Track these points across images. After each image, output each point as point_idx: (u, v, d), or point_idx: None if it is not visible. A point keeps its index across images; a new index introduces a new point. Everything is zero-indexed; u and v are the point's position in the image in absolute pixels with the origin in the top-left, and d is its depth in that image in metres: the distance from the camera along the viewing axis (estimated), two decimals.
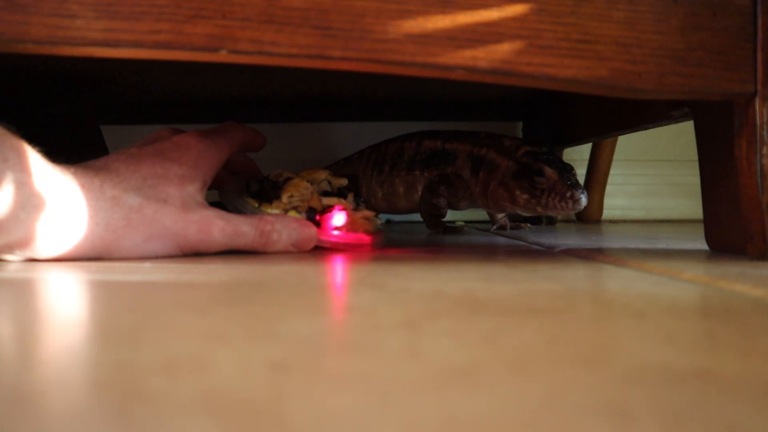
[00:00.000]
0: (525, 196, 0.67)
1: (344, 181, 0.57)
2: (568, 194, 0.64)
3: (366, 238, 0.55)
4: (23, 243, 0.40)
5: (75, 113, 0.88)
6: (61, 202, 0.40)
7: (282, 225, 0.48)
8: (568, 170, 0.66)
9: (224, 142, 0.50)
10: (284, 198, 0.52)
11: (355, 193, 0.56)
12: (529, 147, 0.69)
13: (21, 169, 0.38)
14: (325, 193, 0.54)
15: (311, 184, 0.54)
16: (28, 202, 0.38)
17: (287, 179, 0.54)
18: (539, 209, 0.67)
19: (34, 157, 0.39)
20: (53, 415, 0.13)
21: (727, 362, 0.18)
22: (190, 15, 0.37)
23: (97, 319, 0.25)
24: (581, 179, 1.09)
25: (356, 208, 0.55)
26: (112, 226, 0.42)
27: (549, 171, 0.65)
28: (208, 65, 0.65)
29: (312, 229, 0.49)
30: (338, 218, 0.53)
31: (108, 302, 0.29)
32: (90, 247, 0.42)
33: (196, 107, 1.01)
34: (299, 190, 0.53)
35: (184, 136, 0.49)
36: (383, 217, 1.04)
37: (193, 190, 0.46)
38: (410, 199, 0.78)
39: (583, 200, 0.64)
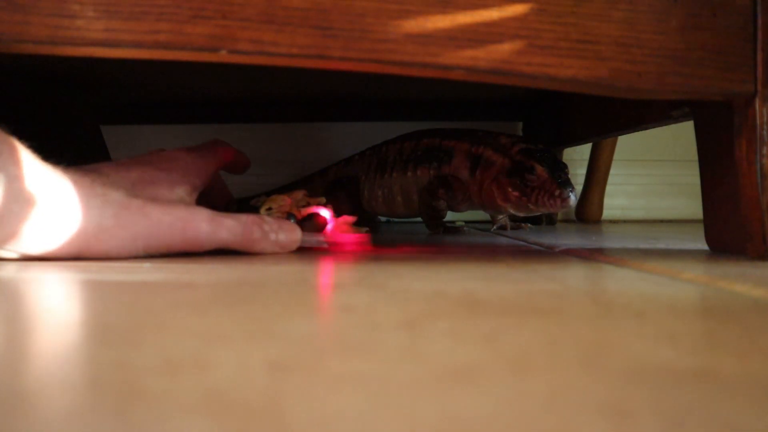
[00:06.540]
0: (516, 194, 0.67)
1: (322, 200, 0.60)
2: (557, 192, 0.65)
3: (354, 237, 0.58)
4: (16, 237, 0.40)
5: (75, 113, 0.88)
6: (53, 198, 0.40)
7: (268, 225, 0.48)
8: (560, 168, 0.66)
9: (212, 157, 0.52)
10: (262, 211, 0.56)
11: (352, 198, 0.61)
12: (524, 144, 0.69)
13: (13, 163, 0.38)
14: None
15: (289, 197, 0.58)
16: (20, 196, 0.38)
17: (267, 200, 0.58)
18: (530, 206, 0.67)
19: (26, 154, 0.39)
20: (52, 415, 0.13)
21: (727, 362, 0.18)
22: (191, 15, 0.37)
23: (96, 319, 0.25)
24: (581, 179, 1.09)
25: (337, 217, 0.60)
26: (103, 224, 0.42)
27: (540, 169, 0.66)
28: (208, 65, 0.65)
29: (297, 230, 0.50)
30: (324, 213, 0.57)
31: (107, 302, 0.29)
32: (85, 246, 0.42)
33: (196, 107, 1.01)
34: (277, 202, 0.56)
35: (172, 150, 0.51)
36: (384, 218, 1.04)
37: (183, 193, 0.48)
38: (410, 203, 0.78)
39: (572, 199, 0.65)
